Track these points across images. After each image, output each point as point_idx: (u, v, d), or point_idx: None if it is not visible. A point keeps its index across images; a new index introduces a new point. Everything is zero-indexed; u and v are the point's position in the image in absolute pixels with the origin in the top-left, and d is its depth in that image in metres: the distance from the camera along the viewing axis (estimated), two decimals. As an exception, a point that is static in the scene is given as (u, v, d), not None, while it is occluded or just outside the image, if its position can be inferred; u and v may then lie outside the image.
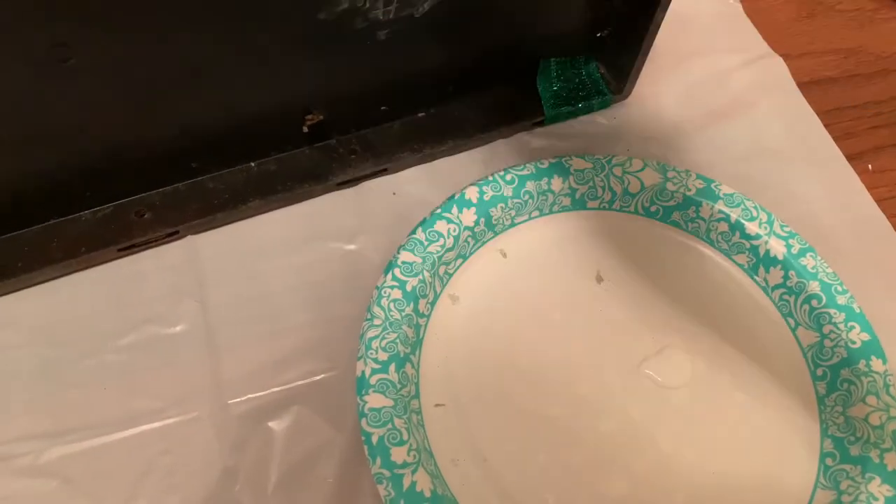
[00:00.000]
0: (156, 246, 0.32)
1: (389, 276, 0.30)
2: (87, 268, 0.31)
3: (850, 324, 0.30)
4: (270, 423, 0.28)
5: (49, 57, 0.24)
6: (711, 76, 0.41)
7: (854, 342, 0.30)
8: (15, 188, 0.29)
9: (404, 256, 0.30)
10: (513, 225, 0.33)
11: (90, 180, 0.31)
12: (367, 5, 0.28)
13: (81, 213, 0.32)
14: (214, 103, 0.30)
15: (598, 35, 0.37)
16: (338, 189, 0.34)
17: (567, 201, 0.34)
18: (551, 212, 0.34)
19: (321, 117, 0.33)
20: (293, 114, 0.33)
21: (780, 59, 0.41)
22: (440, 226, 0.31)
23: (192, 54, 0.27)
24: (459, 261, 0.32)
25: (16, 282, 0.30)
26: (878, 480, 0.27)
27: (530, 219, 0.33)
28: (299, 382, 0.29)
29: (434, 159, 0.36)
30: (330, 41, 0.30)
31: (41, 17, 0.23)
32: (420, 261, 0.30)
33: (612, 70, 0.38)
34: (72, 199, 0.31)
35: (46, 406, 0.28)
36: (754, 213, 0.32)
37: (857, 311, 0.30)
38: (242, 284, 0.32)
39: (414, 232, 0.31)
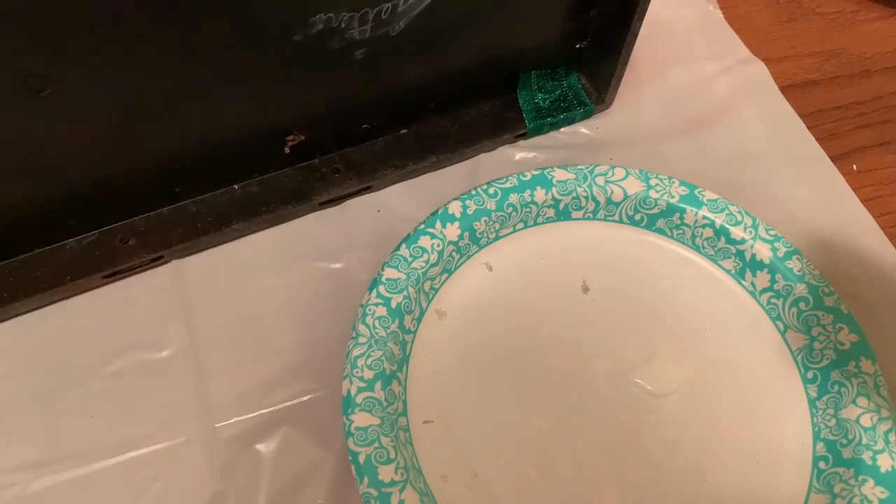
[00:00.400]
0: (141, 271, 0.32)
1: (374, 293, 0.30)
2: (73, 295, 0.31)
3: (838, 325, 0.30)
4: (259, 446, 0.28)
5: (24, 87, 0.25)
6: (693, 83, 0.41)
7: (843, 344, 0.30)
8: (3, 219, 0.30)
9: (388, 273, 0.30)
10: (497, 238, 0.33)
11: (74, 208, 0.31)
12: (343, 25, 0.29)
13: (66, 242, 0.32)
14: (195, 128, 0.30)
15: (578, 46, 0.37)
16: (322, 208, 0.35)
17: (551, 213, 0.34)
18: (536, 223, 0.34)
19: (302, 138, 0.33)
20: (274, 135, 0.33)
21: (762, 64, 0.42)
22: (424, 241, 0.31)
23: (169, 81, 0.28)
24: (445, 275, 0.32)
25: (2, 312, 0.30)
26: (871, 483, 0.27)
27: (515, 231, 0.34)
28: (287, 403, 0.29)
29: (417, 175, 0.36)
30: (307, 62, 0.30)
31: (13, 47, 0.23)
32: (404, 277, 0.30)
33: (592, 80, 0.38)
34: (56, 228, 0.31)
35: (35, 435, 0.28)
36: (739, 218, 0.32)
37: (846, 312, 0.30)
38: (229, 307, 0.32)
39: (398, 248, 0.31)
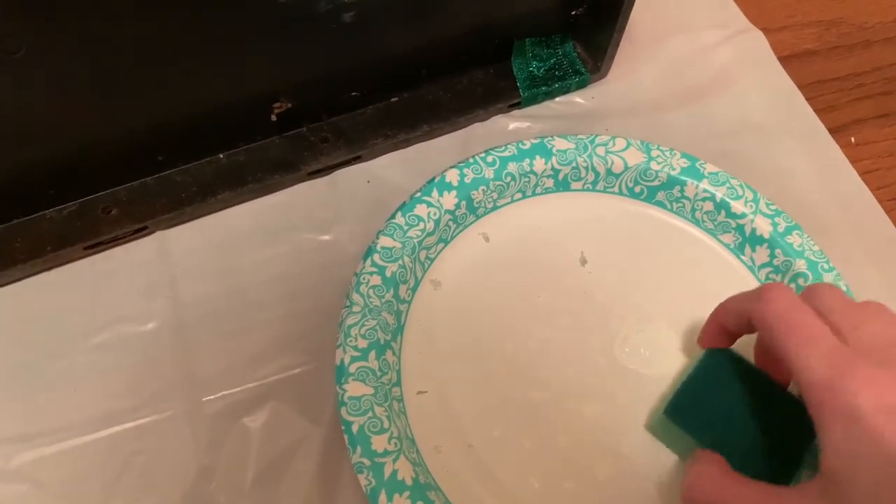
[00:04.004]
0: (124, 243, 0.32)
1: (368, 262, 0.30)
2: (53, 267, 0.31)
3: (837, 298, 0.30)
4: (246, 420, 0.29)
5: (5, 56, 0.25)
6: (691, 52, 0.41)
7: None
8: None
9: (383, 242, 0.31)
10: (495, 208, 0.34)
11: (53, 177, 0.31)
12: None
13: (45, 212, 0.32)
14: (177, 94, 0.30)
15: (573, 13, 0.37)
16: (310, 178, 0.35)
17: (550, 183, 0.34)
18: (534, 194, 0.34)
19: (290, 105, 0.33)
20: (260, 102, 0.33)
21: (761, 34, 0.42)
22: (420, 210, 0.32)
23: (150, 44, 0.28)
24: (441, 245, 0.32)
25: (-21, 284, 0.30)
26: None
27: (513, 201, 0.34)
28: (275, 377, 0.30)
29: (409, 145, 0.36)
30: (294, 25, 0.30)
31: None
32: (400, 246, 0.31)
33: (588, 49, 0.39)
34: (34, 198, 0.31)
35: (16, 409, 0.28)
36: (739, 192, 0.33)
37: (844, 288, 0.31)
38: (215, 279, 0.32)
39: (393, 217, 0.31)
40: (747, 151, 0.37)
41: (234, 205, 0.34)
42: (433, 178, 0.33)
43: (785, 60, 0.42)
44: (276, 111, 0.33)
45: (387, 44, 0.34)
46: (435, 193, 0.32)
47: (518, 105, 0.38)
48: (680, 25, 0.42)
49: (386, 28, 0.33)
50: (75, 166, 0.31)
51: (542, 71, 0.38)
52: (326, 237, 0.33)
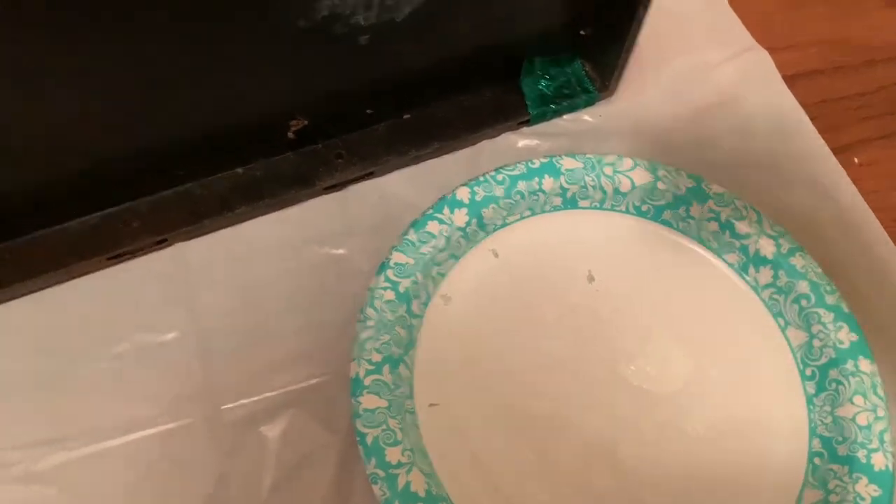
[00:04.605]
0: (145, 254, 0.33)
1: (382, 277, 0.31)
2: (76, 277, 0.33)
3: (838, 324, 0.32)
4: (263, 429, 0.30)
5: (23, 68, 0.26)
6: (696, 70, 0.42)
7: (842, 342, 0.31)
8: (1, 199, 0.31)
9: (397, 257, 0.32)
10: (504, 225, 0.35)
11: (76, 190, 0.32)
12: (348, 12, 0.30)
13: (68, 224, 0.33)
14: (196, 110, 0.32)
15: (582, 32, 0.39)
16: (325, 193, 0.36)
17: (558, 201, 0.35)
18: (543, 211, 0.35)
19: (305, 122, 0.35)
20: (277, 120, 0.34)
21: (766, 52, 0.43)
22: (432, 226, 0.33)
23: (171, 62, 0.29)
24: (451, 261, 0.34)
25: (6, 292, 0.31)
26: (864, 480, 0.29)
27: (522, 218, 0.35)
28: (292, 387, 0.31)
29: (420, 161, 0.38)
30: (311, 47, 0.31)
31: (14, 32, 0.25)
32: (412, 262, 0.32)
33: (596, 67, 0.40)
34: (57, 210, 0.32)
35: (43, 414, 0.29)
36: (744, 213, 0.34)
37: (846, 311, 0.32)
38: (232, 291, 0.33)
39: (406, 233, 0.33)
40: (751, 170, 0.39)
41: (250, 218, 0.35)
42: (444, 196, 0.34)
43: (790, 79, 0.43)
44: (293, 129, 0.34)
45: (399, 63, 0.35)
46: (446, 211, 0.33)
47: (527, 122, 0.39)
48: (686, 44, 0.43)
49: (398, 48, 0.34)
50: (97, 180, 0.32)
51: (550, 89, 0.39)
52: (340, 251, 0.35)
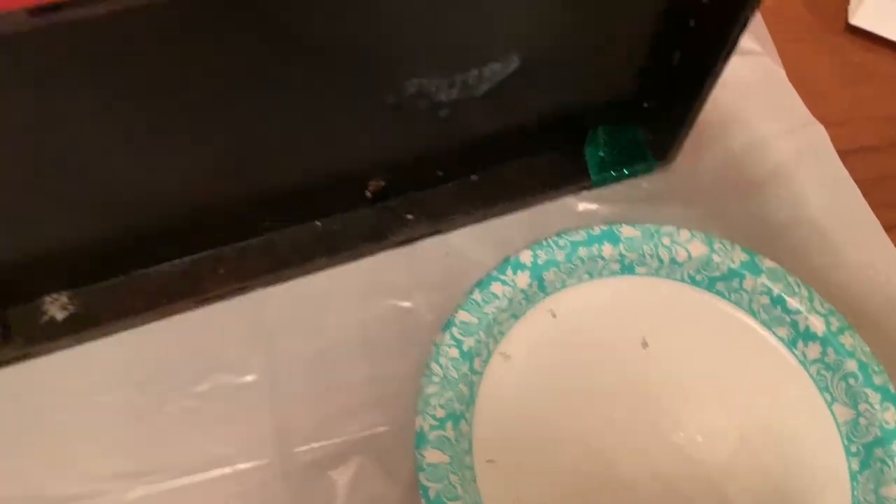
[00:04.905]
0: (229, 298, 0.36)
1: (447, 334, 0.33)
2: (165, 317, 0.35)
3: (885, 404, 0.33)
4: (332, 473, 0.32)
5: (138, 131, 0.29)
6: (752, 142, 0.44)
7: (888, 423, 0.32)
8: (102, 241, 0.33)
9: (461, 316, 0.34)
10: (563, 287, 0.37)
11: (170, 236, 0.35)
12: (433, 90, 0.32)
13: (161, 266, 0.36)
14: (286, 169, 0.34)
15: (645, 105, 0.41)
16: (395, 248, 0.38)
17: (616, 267, 0.37)
18: (601, 276, 0.37)
19: (382, 183, 0.37)
20: (357, 179, 0.37)
21: (821, 127, 0.45)
22: (496, 287, 0.35)
23: (269, 127, 0.32)
24: (512, 320, 0.36)
25: (103, 329, 0.34)
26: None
27: (580, 282, 0.37)
28: (359, 434, 0.33)
29: (484, 220, 0.40)
30: (394, 119, 0.34)
31: (138, 101, 0.28)
32: (476, 321, 0.34)
33: (657, 137, 0.42)
34: (152, 253, 0.35)
35: (130, 447, 0.32)
36: (796, 289, 0.35)
37: (894, 392, 0.33)
38: (307, 337, 0.36)
39: (471, 292, 0.35)
40: (804, 245, 0.40)
41: (326, 268, 0.37)
42: (508, 258, 0.36)
43: (845, 155, 0.44)
44: (370, 189, 0.37)
45: (471, 130, 0.37)
46: (509, 272, 0.35)
47: (587, 187, 0.41)
48: (744, 116, 0.45)
49: (473, 119, 0.36)
50: (189, 228, 0.35)
51: (611, 157, 0.41)
52: (407, 304, 0.37)
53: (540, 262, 0.36)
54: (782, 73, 0.48)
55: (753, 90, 0.46)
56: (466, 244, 0.39)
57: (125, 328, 0.35)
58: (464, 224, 0.39)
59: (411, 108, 0.33)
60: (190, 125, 0.30)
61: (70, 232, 0.32)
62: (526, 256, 0.36)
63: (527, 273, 0.36)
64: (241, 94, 0.29)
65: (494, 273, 0.35)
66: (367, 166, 0.36)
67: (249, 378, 0.34)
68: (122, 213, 0.33)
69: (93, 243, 0.33)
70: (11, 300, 0.34)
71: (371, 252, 0.38)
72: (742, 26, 0.33)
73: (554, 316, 0.36)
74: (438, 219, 0.39)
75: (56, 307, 0.34)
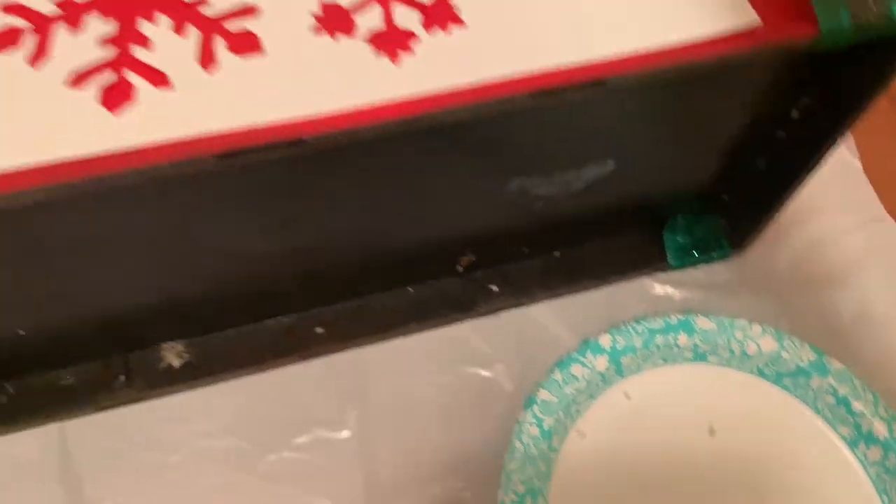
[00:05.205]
0: (328, 355, 0.39)
1: (529, 413, 0.36)
2: (270, 369, 0.39)
3: (942, 512, 0.35)
4: (418, 531, 0.35)
5: (273, 223, 0.32)
6: (825, 235, 0.46)
7: (943, 528, 0.34)
8: (219, 298, 0.37)
9: (543, 395, 0.37)
10: (639, 370, 0.39)
11: (279, 297, 0.38)
12: (534, 187, 0.35)
13: (269, 321, 0.39)
14: (390, 244, 0.37)
15: (724, 197, 0.43)
16: (480, 317, 0.41)
17: (689, 354, 0.39)
18: (675, 362, 0.40)
19: (474, 259, 0.40)
20: (452, 255, 0.40)
21: (894, 224, 0.46)
22: (576, 369, 0.38)
23: (380, 215, 0.35)
24: (589, 400, 0.38)
25: (215, 377, 0.38)
26: None
27: (655, 366, 0.39)
28: (443, 496, 0.36)
29: (565, 295, 0.42)
30: (493, 207, 0.36)
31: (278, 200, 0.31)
32: (556, 400, 0.37)
33: (734, 227, 0.44)
34: (263, 310, 0.39)
35: (237, 492, 0.35)
36: (861, 392, 0.37)
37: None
38: (396, 398, 0.39)
39: (552, 372, 0.37)
40: (871, 343, 0.42)
41: (416, 332, 0.40)
42: (588, 340, 0.38)
43: (916, 253, 0.46)
44: (462, 263, 0.40)
45: (559, 214, 0.40)
46: (590, 355, 0.38)
47: (663, 269, 0.43)
48: (818, 206, 0.47)
49: (563, 206, 0.39)
50: (296, 290, 0.38)
51: (689, 243, 0.43)
52: (487, 373, 0.40)
53: (619, 346, 0.38)
54: (858, 165, 0.49)
55: (829, 181, 0.48)
56: (546, 318, 0.42)
57: (233, 378, 0.38)
58: (545, 298, 0.42)
59: (511, 202, 0.36)
60: (315, 221, 0.33)
61: (193, 290, 0.36)
62: (605, 340, 0.39)
63: (605, 357, 0.38)
64: (362, 196, 0.33)
65: (575, 355, 0.38)
66: (462, 245, 0.39)
67: (345, 434, 0.37)
68: (242, 278, 0.36)
69: (210, 300, 0.37)
70: (134, 345, 0.38)
71: (457, 319, 0.41)
72: (833, 145, 0.35)
73: (628, 398, 0.39)
74: (521, 292, 0.42)
75: (173, 354, 0.38)
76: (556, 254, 0.43)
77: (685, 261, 0.43)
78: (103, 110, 0.21)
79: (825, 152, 0.35)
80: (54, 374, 0.37)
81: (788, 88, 0.33)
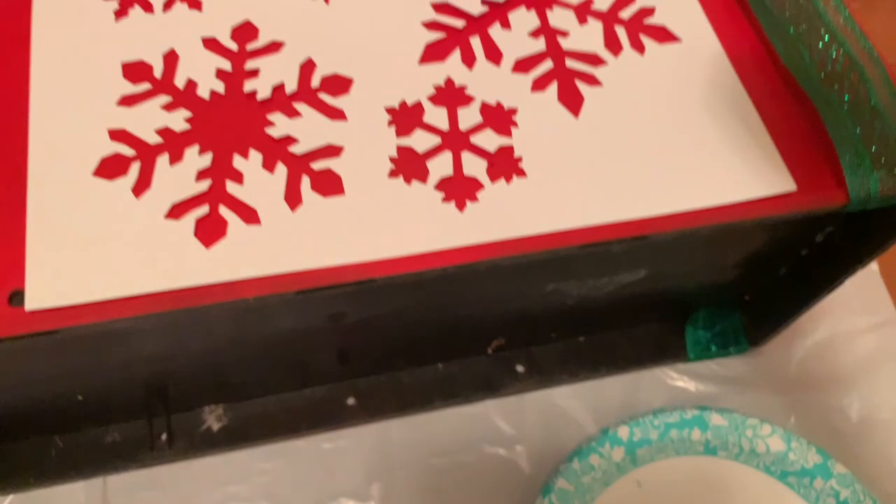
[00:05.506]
0: (357, 426, 0.42)
1: (547, 500, 0.38)
2: (304, 437, 0.41)
3: None
4: None
5: (330, 318, 0.34)
6: (838, 335, 0.48)
7: None
8: (264, 370, 0.39)
9: (560, 483, 0.39)
10: (652, 460, 0.41)
11: (319, 370, 0.41)
12: (567, 289, 0.37)
13: (305, 391, 0.41)
14: (429, 332, 0.40)
15: (745, 297, 0.45)
16: (503, 397, 0.44)
17: (700, 448, 0.42)
18: (686, 454, 0.42)
19: (503, 342, 0.42)
20: (484, 339, 0.42)
21: (905, 327, 0.49)
22: (593, 459, 0.40)
23: (423, 317, 0.37)
24: (601, 487, 0.40)
25: (250, 442, 0.40)
26: None
27: (667, 457, 0.42)
28: (460, 573, 0.38)
29: (586, 380, 0.45)
30: (530, 307, 0.39)
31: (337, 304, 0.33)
32: (573, 489, 0.39)
33: (753, 324, 0.46)
34: (301, 380, 0.41)
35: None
36: (861, 497, 0.40)
37: None
38: (419, 472, 0.41)
39: (570, 460, 0.40)
40: (874, 446, 0.44)
41: (442, 408, 0.43)
42: (607, 431, 0.41)
43: (924, 358, 0.48)
44: (493, 346, 0.42)
45: (588, 307, 0.42)
46: (607, 446, 0.40)
47: (682, 360, 0.46)
48: (833, 306, 0.49)
49: (592, 303, 0.41)
50: (332, 365, 0.41)
51: (709, 336, 0.46)
52: (508, 453, 0.42)
53: (635, 438, 0.41)
54: (875, 267, 0.51)
55: (846, 282, 0.50)
56: (567, 401, 0.44)
57: (269, 443, 0.40)
58: (566, 381, 0.44)
59: (545, 301, 0.38)
60: (369, 325, 0.35)
61: (239, 365, 0.38)
62: (623, 432, 0.41)
63: (622, 448, 0.40)
64: (417, 308, 0.35)
65: (594, 445, 0.40)
66: (495, 332, 0.42)
67: (370, 505, 0.40)
68: (286, 356, 0.38)
69: (252, 370, 0.39)
70: (177, 408, 0.40)
71: (482, 398, 0.43)
72: (854, 272, 0.37)
73: (640, 486, 0.41)
74: (545, 376, 0.44)
75: (213, 418, 0.40)
76: (581, 339, 0.45)
77: (703, 355, 0.45)
78: (197, 242, 0.24)
79: (845, 278, 0.38)
80: (101, 431, 0.39)
81: (814, 221, 0.36)
